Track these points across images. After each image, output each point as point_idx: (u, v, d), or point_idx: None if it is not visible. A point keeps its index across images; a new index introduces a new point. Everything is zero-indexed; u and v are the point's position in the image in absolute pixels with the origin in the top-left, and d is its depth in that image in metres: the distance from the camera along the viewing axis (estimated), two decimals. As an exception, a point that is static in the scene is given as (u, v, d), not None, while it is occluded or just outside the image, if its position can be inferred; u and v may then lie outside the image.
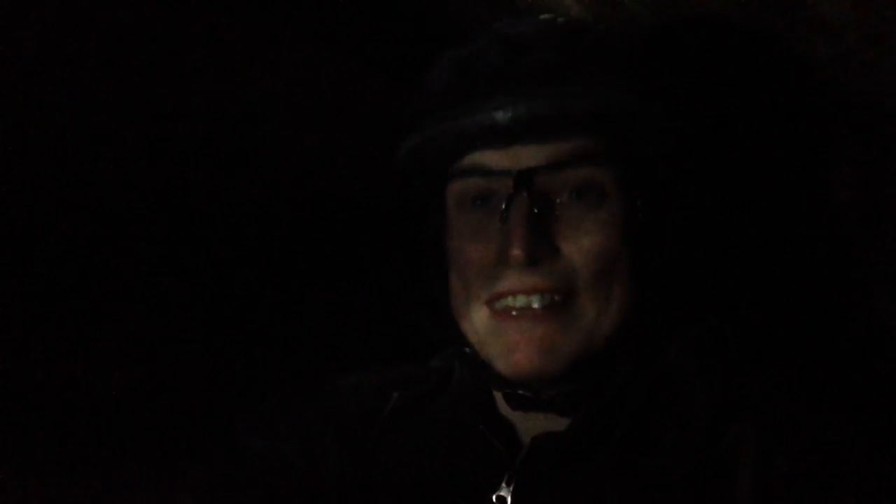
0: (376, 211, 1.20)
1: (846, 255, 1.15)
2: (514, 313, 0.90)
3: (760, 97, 1.13)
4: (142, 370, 1.18)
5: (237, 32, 1.18)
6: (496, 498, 0.91)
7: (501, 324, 0.91)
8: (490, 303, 0.92)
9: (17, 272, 1.08)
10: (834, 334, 1.15)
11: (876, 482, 0.84)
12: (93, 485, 0.98)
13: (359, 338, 1.26)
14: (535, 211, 0.89)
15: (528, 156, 0.90)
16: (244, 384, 1.19)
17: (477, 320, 0.93)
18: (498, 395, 0.97)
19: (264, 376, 1.19)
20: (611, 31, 0.97)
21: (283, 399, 1.06)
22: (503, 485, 0.91)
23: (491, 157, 0.92)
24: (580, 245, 0.90)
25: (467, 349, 0.97)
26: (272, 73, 1.22)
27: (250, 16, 1.19)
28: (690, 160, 0.97)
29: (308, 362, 1.18)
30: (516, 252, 0.88)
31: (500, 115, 0.89)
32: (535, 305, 0.90)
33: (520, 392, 0.92)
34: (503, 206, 0.90)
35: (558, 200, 0.90)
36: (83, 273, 1.14)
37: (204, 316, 1.22)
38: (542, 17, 0.99)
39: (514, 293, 0.90)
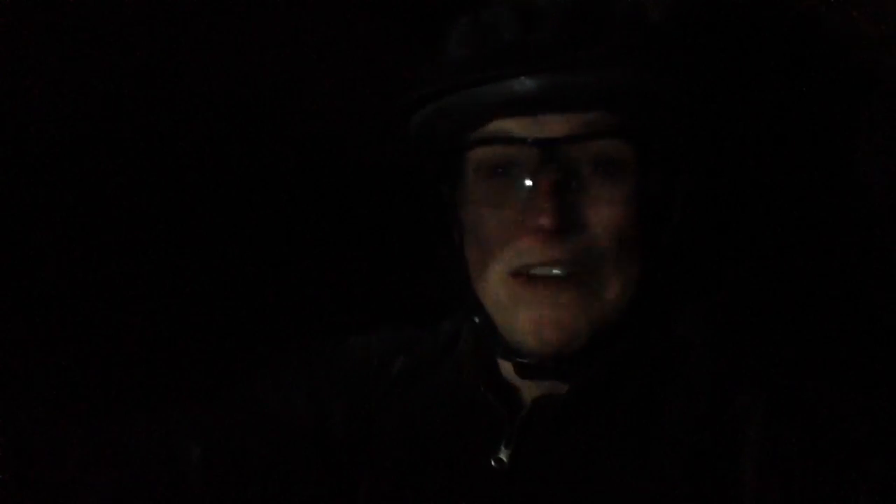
0: (391, 176, 1.20)
1: (863, 234, 1.12)
2: (535, 281, 0.89)
3: (798, 76, 1.11)
4: (156, 325, 1.18)
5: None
6: (495, 459, 0.90)
7: (522, 295, 0.90)
8: (511, 272, 0.90)
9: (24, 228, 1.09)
10: (841, 309, 1.12)
11: (881, 453, 0.82)
12: (102, 429, 0.97)
13: (370, 301, 1.25)
14: (562, 182, 0.88)
15: (551, 126, 0.89)
16: (256, 342, 1.18)
17: (499, 289, 0.92)
18: (503, 361, 0.96)
19: (276, 335, 1.18)
20: (638, 3, 0.95)
21: (294, 356, 1.06)
22: (502, 446, 0.90)
23: (514, 125, 0.91)
24: (602, 218, 0.89)
25: (476, 318, 0.95)
26: (287, 37, 1.21)
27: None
28: (713, 138, 0.97)
29: (319, 323, 1.17)
30: (545, 221, 0.86)
31: (525, 84, 0.88)
32: (557, 272, 0.89)
33: (526, 361, 0.91)
34: (528, 176, 0.89)
35: (581, 174, 0.90)
36: (113, 224, 1.15)
37: (220, 270, 1.21)
38: None
39: (536, 265, 0.89)
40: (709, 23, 1.09)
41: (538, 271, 0.89)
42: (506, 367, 0.96)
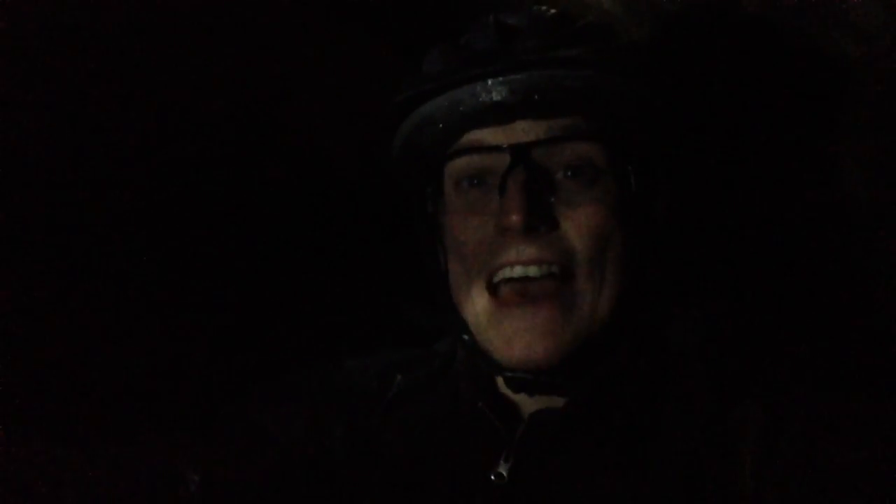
0: (378, 199, 1.20)
1: (853, 243, 1.14)
2: (511, 297, 0.91)
3: (779, 89, 1.13)
4: (155, 350, 1.18)
5: (245, 14, 1.19)
6: (494, 474, 0.91)
7: (502, 311, 0.92)
8: (489, 281, 0.93)
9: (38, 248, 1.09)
10: (836, 316, 1.15)
11: (877, 462, 0.84)
12: (101, 457, 0.97)
13: (365, 324, 1.25)
14: (533, 183, 0.90)
15: (523, 132, 0.92)
16: (253, 365, 1.18)
17: (478, 306, 0.94)
18: (499, 377, 0.97)
19: (273, 358, 1.18)
20: (605, 21, 0.98)
21: (291, 379, 1.07)
22: (501, 461, 0.91)
23: (487, 134, 0.93)
24: (576, 221, 0.91)
25: (465, 336, 0.97)
26: (271, 56, 1.23)
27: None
28: (688, 143, 0.99)
29: (315, 345, 1.17)
30: (514, 218, 0.89)
31: (495, 92, 0.91)
32: (533, 274, 0.90)
33: (519, 375, 0.93)
34: (500, 182, 0.91)
35: (554, 177, 0.92)
36: (105, 244, 1.15)
37: (216, 296, 1.22)
38: (534, 7, 1.01)
39: (511, 264, 0.91)
40: (689, 33, 1.11)
41: (514, 273, 0.91)
42: (502, 383, 0.97)
